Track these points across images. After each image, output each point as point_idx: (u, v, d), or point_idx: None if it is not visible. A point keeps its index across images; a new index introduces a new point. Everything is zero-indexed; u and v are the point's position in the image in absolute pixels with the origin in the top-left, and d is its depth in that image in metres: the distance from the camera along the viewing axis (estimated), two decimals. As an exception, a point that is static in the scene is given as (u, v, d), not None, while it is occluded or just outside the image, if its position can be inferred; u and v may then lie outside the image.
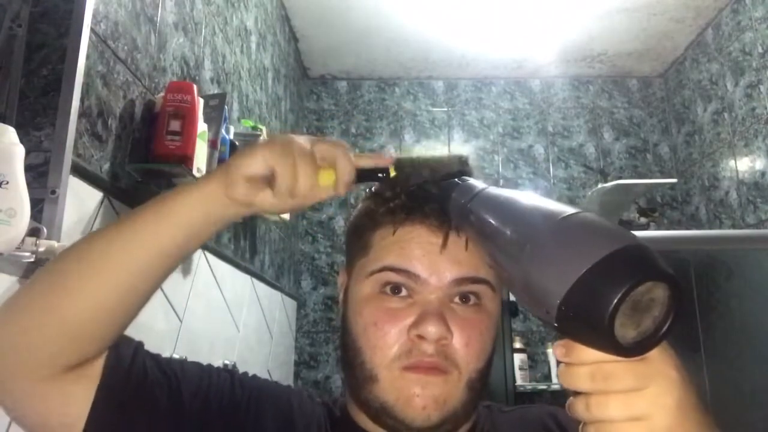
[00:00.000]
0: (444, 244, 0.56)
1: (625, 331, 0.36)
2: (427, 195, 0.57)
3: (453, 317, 0.55)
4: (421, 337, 0.54)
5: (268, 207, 0.54)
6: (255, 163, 0.52)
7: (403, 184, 0.57)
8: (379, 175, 0.56)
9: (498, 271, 0.47)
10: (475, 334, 0.56)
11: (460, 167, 0.58)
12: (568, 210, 0.40)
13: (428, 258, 0.56)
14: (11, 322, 0.51)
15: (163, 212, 0.54)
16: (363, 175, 0.55)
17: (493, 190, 0.50)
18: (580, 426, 0.41)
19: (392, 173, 0.56)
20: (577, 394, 0.40)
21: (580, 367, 0.39)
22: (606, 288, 0.34)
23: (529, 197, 0.45)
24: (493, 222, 0.47)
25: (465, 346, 0.55)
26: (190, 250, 0.56)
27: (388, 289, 0.57)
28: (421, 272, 0.56)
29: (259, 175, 0.52)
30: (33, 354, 0.51)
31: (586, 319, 0.35)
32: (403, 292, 0.57)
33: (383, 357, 0.55)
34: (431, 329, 0.53)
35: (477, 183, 0.53)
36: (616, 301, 0.34)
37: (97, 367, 0.53)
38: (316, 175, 0.52)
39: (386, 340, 0.55)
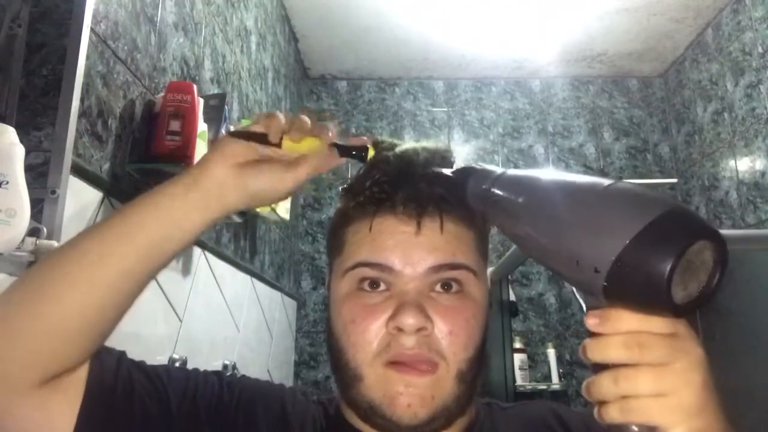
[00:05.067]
0: (419, 229, 0.55)
1: (675, 290, 0.36)
2: (401, 184, 0.57)
3: (434, 306, 0.54)
4: (399, 329, 0.52)
5: (245, 181, 0.55)
6: (241, 130, 0.55)
7: (390, 165, 0.57)
8: (360, 153, 0.57)
9: (531, 246, 0.46)
10: (460, 321, 0.54)
11: (442, 154, 0.58)
12: (609, 179, 0.41)
13: (400, 248, 0.55)
14: None
15: (144, 205, 0.54)
16: (343, 151, 0.57)
17: (516, 172, 0.50)
18: (596, 408, 0.40)
19: (371, 153, 0.57)
20: (600, 372, 0.40)
21: (613, 336, 0.39)
22: (666, 242, 0.35)
23: (558, 174, 0.45)
24: (527, 199, 0.46)
25: (449, 334, 0.53)
26: (174, 247, 0.55)
27: (365, 284, 0.56)
28: (394, 264, 0.54)
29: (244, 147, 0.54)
30: (12, 364, 0.49)
31: (644, 274, 0.35)
32: (382, 287, 0.55)
33: (365, 354, 0.54)
34: (408, 320, 0.51)
35: (493, 167, 0.53)
36: (677, 255, 0.34)
37: (80, 378, 0.52)
38: (308, 126, 0.54)
39: (365, 336, 0.54)
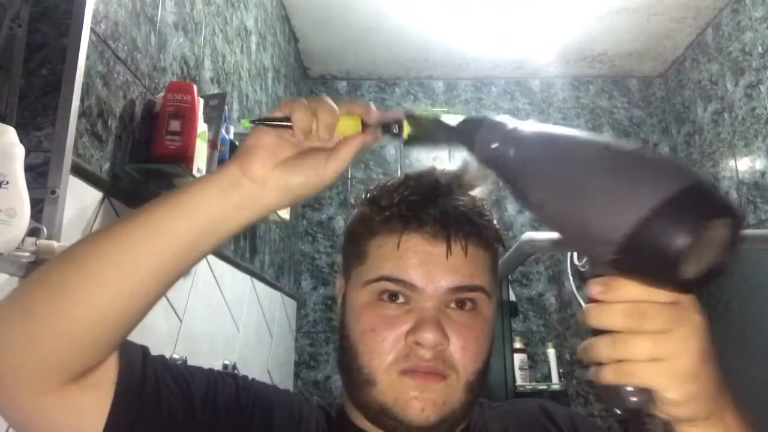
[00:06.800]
0: (449, 252, 0.57)
1: (685, 266, 0.35)
2: (428, 203, 0.58)
3: (449, 322, 0.57)
4: (418, 343, 0.55)
5: (287, 179, 0.51)
6: (272, 113, 0.51)
7: (419, 183, 0.58)
8: (394, 128, 0.53)
9: (540, 209, 0.43)
10: (472, 338, 0.57)
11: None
12: (630, 145, 0.39)
13: (424, 268, 0.57)
14: (11, 328, 0.48)
15: (176, 205, 0.50)
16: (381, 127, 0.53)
17: (531, 128, 0.44)
18: (592, 370, 0.41)
19: (405, 128, 0.52)
20: (597, 335, 0.40)
21: (615, 304, 0.39)
22: (683, 221, 0.34)
23: (576, 133, 0.42)
24: (539, 163, 0.43)
25: (462, 349, 0.56)
26: (206, 248, 0.52)
27: (385, 296, 0.58)
28: (417, 282, 0.57)
29: (276, 137, 0.51)
30: (37, 363, 0.47)
31: (656, 250, 0.34)
32: (400, 299, 0.58)
33: (381, 362, 0.56)
34: (428, 336, 0.54)
35: (505, 120, 0.46)
36: (692, 235, 0.34)
37: (106, 376, 0.51)
38: (336, 117, 0.50)
39: (384, 345, 0.56)
